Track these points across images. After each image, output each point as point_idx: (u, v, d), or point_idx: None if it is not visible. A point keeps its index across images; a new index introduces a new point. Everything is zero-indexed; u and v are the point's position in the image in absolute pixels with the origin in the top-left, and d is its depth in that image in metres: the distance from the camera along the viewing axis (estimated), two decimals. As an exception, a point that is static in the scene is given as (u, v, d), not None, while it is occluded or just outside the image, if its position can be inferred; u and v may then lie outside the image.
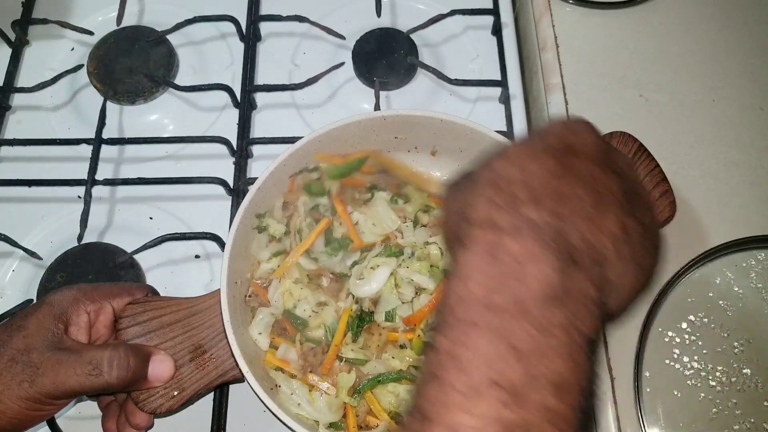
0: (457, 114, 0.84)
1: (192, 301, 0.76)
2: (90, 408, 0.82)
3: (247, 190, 0.78)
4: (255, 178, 0.79)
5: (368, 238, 0.83)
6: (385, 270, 0.79)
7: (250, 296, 0.80)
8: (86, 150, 0.94)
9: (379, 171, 0.87)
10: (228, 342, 0.71)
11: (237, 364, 0.71)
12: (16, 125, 1.02)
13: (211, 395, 0.81)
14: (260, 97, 1.02)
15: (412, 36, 1.03)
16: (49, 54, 1.07)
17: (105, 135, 0.95)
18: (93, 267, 0.87)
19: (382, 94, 1.01)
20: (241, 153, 0.95)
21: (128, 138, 0.97)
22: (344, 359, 0.76)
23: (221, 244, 0.88)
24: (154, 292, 0.79)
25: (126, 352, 0.67)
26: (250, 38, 1.05)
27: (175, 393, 0.72)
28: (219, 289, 0.73)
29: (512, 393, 0.38)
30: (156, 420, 0.79)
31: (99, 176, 0.92)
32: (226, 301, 0.72)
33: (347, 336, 0.77)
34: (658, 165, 0.82)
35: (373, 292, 0.79)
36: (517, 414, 0.38)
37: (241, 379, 0.72)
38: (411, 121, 0.84)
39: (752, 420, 0.76)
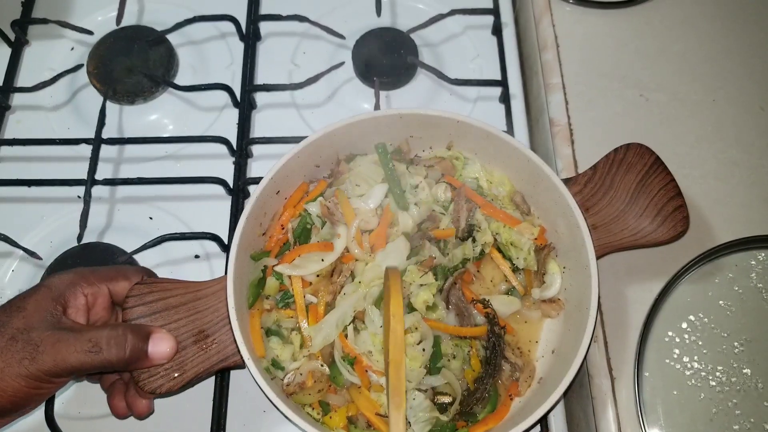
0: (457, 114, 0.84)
1: (198, 285, 0.77)
2: (90, 408, 0.82)
3: (248, 190, 0.78)
4: (255, 178, 0.79)
5: None
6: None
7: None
8: (86, 150, 0.94)
9: None
10: (231, 328, 0.72)
11: (239, 350, 0.71)
12: (16, 125, 1.02)
13: (211, 395, 0.81)
14: (260, 97, 1.02)
15: (412, 36, 1.03)
16: (49, 54, 1.07)
17: (105, 135, 0.95)
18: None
19: (382, 93, 1.01)
20: (241, 153, 0.95)
21: (128, 138, 0.98)
22: None
23: (221, 244, 0.88)
24: (151, 275, 0.79)
25: (124, 331, 0.68)
26: (250, 38, 1.05)
27: (176, 374, 0.72)
28: (225, 275, 0.74)
29: None
30: (155, 418, 0.79)
31: (99, 176, 0.92)
32: (232, 287, 0.73)
33: None
34: (673, 179, 0.80)
35: None
36: None
37: (242, 365, 0.72)
38: (427, 121, 0.84)
39: (752, 420, 0.76)
